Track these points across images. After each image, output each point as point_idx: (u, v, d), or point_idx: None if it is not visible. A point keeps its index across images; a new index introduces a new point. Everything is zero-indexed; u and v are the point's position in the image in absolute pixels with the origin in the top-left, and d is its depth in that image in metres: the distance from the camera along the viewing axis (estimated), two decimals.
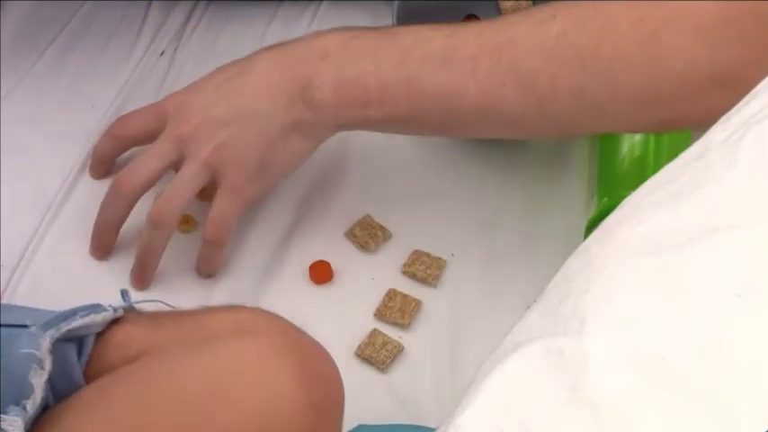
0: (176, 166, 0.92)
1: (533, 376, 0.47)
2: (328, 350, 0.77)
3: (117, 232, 0.96)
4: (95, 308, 0.76)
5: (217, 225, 0.93)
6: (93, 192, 1.02)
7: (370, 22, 1.14)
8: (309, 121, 0.87)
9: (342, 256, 0.99)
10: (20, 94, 1.08)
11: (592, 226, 0.95)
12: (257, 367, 0.70)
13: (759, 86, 0.50)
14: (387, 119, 0.85)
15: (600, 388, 0.44)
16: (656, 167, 0.93)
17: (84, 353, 0.75)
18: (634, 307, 0.46)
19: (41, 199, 1.01)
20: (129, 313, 0.79)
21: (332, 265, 0.98)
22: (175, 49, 1.13)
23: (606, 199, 0.96)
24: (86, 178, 1.03)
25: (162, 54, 1.13)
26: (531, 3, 1.11)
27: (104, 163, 1.00)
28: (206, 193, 0.95)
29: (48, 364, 0.71)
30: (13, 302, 0.94)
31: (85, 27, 1.15)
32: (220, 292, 0.96)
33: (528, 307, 0.54)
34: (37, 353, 0.71)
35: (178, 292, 0.96)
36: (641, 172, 0.96)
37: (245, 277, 0.98)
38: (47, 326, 0.73)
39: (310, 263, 0.98)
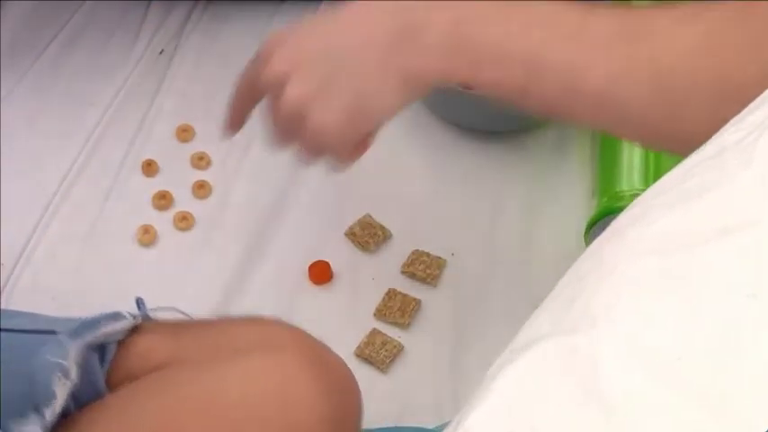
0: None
1: (544, 376, 0.47)
2: None
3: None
4: (115, 316, 0.77)
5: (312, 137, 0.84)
6: (93, 191, 1.02)
7: None
8: (406, 67, 0.78)
9: (342, 256, 0.99)
10: (20, 94, 1.09)
11: (592, 226, 0.96)
12: (286, 381, 0.71)
13: None
14: (498, 83, 0.76)
15: (611, 388, 0.44)
16: (657, 168, 0.95)
17: (106, 360, 0.75)
18: (646, 307, 0.45)
19: (41, 198, 1.01)
20: (146, 321, 0.79)
21: (332, 265, 0.98)
22: (175, 49, 1.13)
23: (606, 199, 0.96)
24: (86, 178, 1.03)
25: (161, 53, 1.13)
26: None
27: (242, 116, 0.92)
28: (203, 191, 0.95)
29: (73, 375, 0.71)
30: (12, 300, 0.94)
31: (85, 27, 1.15)
32: (221, 293, 0.96)
33: (532, 305, 0.54)
34: (65, 363, 0.71)
35: (179, 292, 0.96)
36: (642, 172, 0.96)
37: (245, 277, 0.98)
38: (74, 335, 0.73)
39: (310, 263, 0.98)
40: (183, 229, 1.00)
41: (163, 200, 1.02)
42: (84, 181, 1.03)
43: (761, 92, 0.64)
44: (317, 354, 0.75)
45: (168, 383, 0.74)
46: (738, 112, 0.63)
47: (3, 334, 0.78)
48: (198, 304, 0.95)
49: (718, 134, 0.50)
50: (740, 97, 0.64)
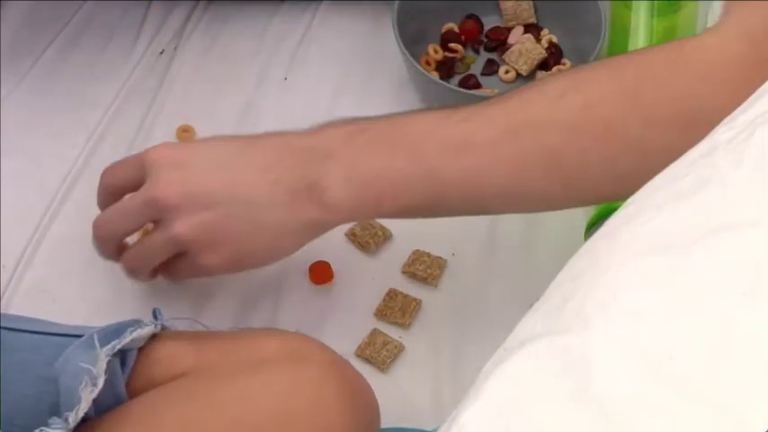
0: (152, 220, 0.85)
1: (538, 375, 0.47)
2: None
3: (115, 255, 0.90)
4: (137, 323, 0.77)
5: (170, 274, 0.89)
6: (93, 192, 1.02)
7: (370, 22, 1.14)
8: (319, 220, 0.82)
9: (342, 256, 0.99)
10: (20, 95, 1.08)
11: (592, 226, 0.95)
12: (313, 394, 0.72)
13: (765, 86, 0.50)
14: (403, 211, 0.81)
15: (605, 387, 0.44)
16: None
17: (127, 366, 0.76)
18: (639, 306, 0.45)
19: (41, 199, 1.01)
20: (164, 330, 0.80)
21: (332, 266, 0.98)
22: (175, 49, 1.13)
23: None
24: (86, 178, 1.03)
25: (162, 53, 1.13)
26: (531, 3, 1.11)
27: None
28: None
29: (101, 383, 0.72)
30: (13, 302, 0.94)
31: (85, 27, 1.15)
32: (221, 293, 0.96)
33: (531, 306, 0.54)
34: (94, 369, 0.71)
35: (180, 292, 0.96)
36: None
37: (245, 278, 0.98)
38: (103, 341, 0.74)
39: (310, 263, 0.98)
40: None
41: None
42: (84, 182, 1.03)
43: (651, 138, 0.70)
44: (343, 369, 0.77)
45: (193, 392, 0.75)
46: (634, 162, 0.69)
47: (27, 335, 0.79)
48: (198, 304, 0.95)
49: (710, 133, 0.50)
50: (631, 150, 0.75)
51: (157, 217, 0.83)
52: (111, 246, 0.88)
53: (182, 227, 0.81)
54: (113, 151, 1.05)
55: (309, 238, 0.84)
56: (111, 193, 0.89)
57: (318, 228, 0.83)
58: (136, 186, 0.85)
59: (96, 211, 1.00)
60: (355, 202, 0.80)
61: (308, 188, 0.80)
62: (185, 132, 1.06)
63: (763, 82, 0.69)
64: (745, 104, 0.50)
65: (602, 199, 0.85)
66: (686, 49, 0.76)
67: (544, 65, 1.09)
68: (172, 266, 0.86)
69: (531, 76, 1.09)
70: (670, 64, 0.75)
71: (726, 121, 0.51)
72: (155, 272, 0.89)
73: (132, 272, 0.88)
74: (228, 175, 0.82)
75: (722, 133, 0.49)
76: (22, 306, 0.94)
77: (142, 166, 0.84)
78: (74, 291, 0.96)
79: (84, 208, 1.01)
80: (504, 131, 0.76)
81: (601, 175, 0.76)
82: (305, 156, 0.81)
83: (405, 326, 0.95)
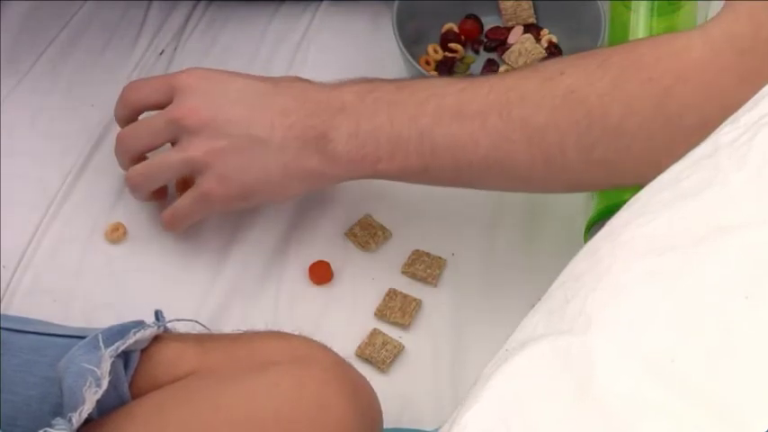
0: (171, 140, 0.91)
1: (539, 375, 0.47)
2: None
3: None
4: (140, 324, 0.77)
5: (173, 219, 0.94)
6: (94, 192, 1.02)
7: (370, 22, 1.14)
8: (319, 171, 0.86)
9: (342, 256, 0.99)
10: (20, 94, 1.08)
11: (592, 226, 0.95)
12: (317, 395, 0.73)
13: None
14: (398, 172, 0.85)
15: (606, 388, 0.44)
16: None
17: (130, 367, 0.76)
18: (641, 307, 0.46)
19: (41, 199, 1.01)
20: (166, 332, 0.81)
21: (332, 265, 0.98)
22: (175, 49, 1.13)
23: (605, 199, 0.96)
24: (86, 178, 1.03)
25: (162, 53, 1.12)
26: (531, 3, 1.12)
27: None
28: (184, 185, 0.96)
29: (105, 384, 0.72)
30: (13, 303, 0.94)
31: (85, 27, 1.15)
32: (221, 293, 0.96)
33: (531, 306, 0.54)
34: (98, 370, 0.72)
35: (180, 292, 0.96)
36: None
37: (245, 278, 0.98)
38: (106, 342, 0.74)
39: (310, 263, 0.98)
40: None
41: None
42: (85, 182, 1.03)
43: (629, 129, 0.73)
44: (346, 371, 0.77)
45: (196, 393, 0.75)
46: (610, 151, 0.73)
47: (31, 336, 0.79)
48: (198, 304, 0.95)
49: (713, 134, 0.50)
50: (608, 138, 0.78)
51: (177, 137, 0.88)
52: (129, 159, 0.94)
53: (197, 149, 0.87)
54: (113, 151, 1.05)
55: (309, 187, 0.90)
56: (133, 109, 0.94)
57: (317, 178, 0.87)
58: (159, 106, 0.90)
59: (97, 213, 1.01)
60: (354, 158, 0.85)
61: (317, 138, 0.85)
62: None
63: (744, 91, 0.70)
64: (748, 105, 0.50)
65: (585, 187, 0.88)
66: (676, 45, 0.78)
67: None
68: (175, 205, 0.92)
69: None
70: (657, 58, 0.77)
71: (729, 121, 0.51)
72: (156, 194, 0.95)
73: (135, 187, 0.93)
74: (250, 111, 0.87)
75: (725, 134, 0.49)
76: (23, 306, 0.94)
77: (170, 89, 0.89)
78: (74, 291, 0.96)
79: (84, 208, 1.01)
80: (495, 103, 0.80)
81: (578, 159, 0.79)
82: (321, 106, 0.86)
83: (405, 326, 0.95)
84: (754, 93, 0.71)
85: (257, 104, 0.87)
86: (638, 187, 0.58)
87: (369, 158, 0.84)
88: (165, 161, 0.90)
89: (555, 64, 0.81)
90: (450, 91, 0.82)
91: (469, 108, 0.81)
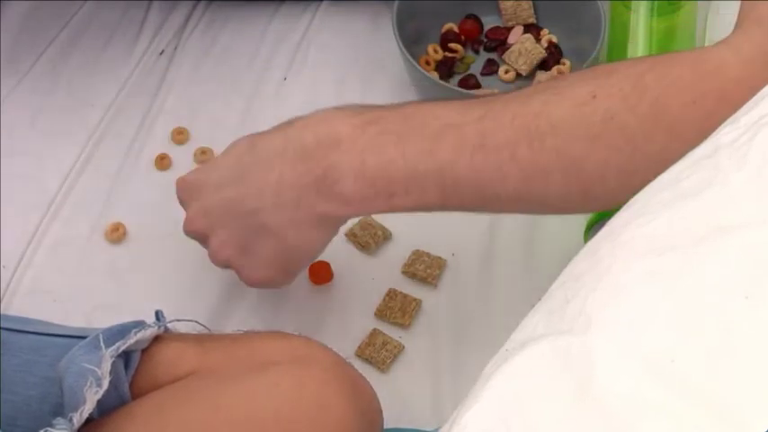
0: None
1: (539, 375, 0.47)
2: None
3: None
4: (140, 324, 0.77)
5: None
6: (94, 192, 1.02)
7: (370, 22, 1.14)
8: (330, 213, 0.80)
9: (342, 256, 0.99)
10: (20, 95, 1.08)
11: (592, 226, 0.95)
12: (317, 395, 0.73)
13: None
14: (414, 206, 0.79)
15: (606, 388, 0.44)
16: None
17: (131, 367, 0.76)
18: (641, 307, 0.45)
19: (41, 199, 1.01)
20: (166, 332, 0.80)
21: (332, 266, 0.98)
22: (175, 49, 1.13)
23: None
24: (86, 178, 1.03)
25: (162, 53, 1.13)
26: (531, 3, 1.11)
27: None
28: None
29: (105, 384, 0.72)
30: (13, 303, 0.94)
31: (85, 27, 1.15)
32: (221, 293, 0.96)
33: (531, 306, 0.54)
34: (98, 370, 0.72)
35: (180, 292, 0.96)
36: None
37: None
38: (107, 342, 0.74)
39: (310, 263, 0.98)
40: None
41: None
42: (84, 182, 1.03)
43: (672, 154, 0.68)
44: (346, 371, 0.77)
45: (196, 393, 0.75)
46: (650, 180, 0.68)
47: (31, 337, 0.79)
48: (198, 304, 0.95)
49: (713, 134, 0.50)
50: (651, 166, 0.70)
51: (203, 243, 0.87)
52: None
53: (215, 251, 0.85)
54: (113, 151, 1.05)
55: (329, 231, 0.83)
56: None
57: (332, 220, 0.82)
58: None
59: (97, 213, 1.01)
60: (366, 195, 0.78)
61: (316, 181, 0.79)
62: (180, 134, 1.06)
63: None
64: (748, 105, 0.50)
65: (620, 205, 0.83)
66: (709, 65, 0.74)
67: (544, 65, 1.09)
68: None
69: (530, 76, 1.09)
70: (697, 79, 0.73)
71: (729, 121, 0.51)
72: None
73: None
74: (234, 190, 0.82)
75: (725, 134, 0.49)
76: (23, 306, 0.94)
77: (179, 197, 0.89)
78: (74, 291, 0.96)
79: (84, 208, 1.01)
80: (524, 134, 0.74)
81: (620, 186, 0.73)
82: (309, 149, 0.79)
83: (405, 326, 0.95)
84: None
85: (241, 177, 0.82)
86: None
87: (382, 195, 0.78)
88: (211, 260, 0.88)
89: (582, 86, 0.75)
90: (468, 120, 0.76)
91: (494, 139, 0.75)
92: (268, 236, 0.82)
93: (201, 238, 0.86)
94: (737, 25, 0.74)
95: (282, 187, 0.80)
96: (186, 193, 0.87)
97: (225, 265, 0.86)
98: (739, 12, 0.74)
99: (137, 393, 0.76)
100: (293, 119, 0.82)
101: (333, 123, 0.79)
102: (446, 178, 0.76)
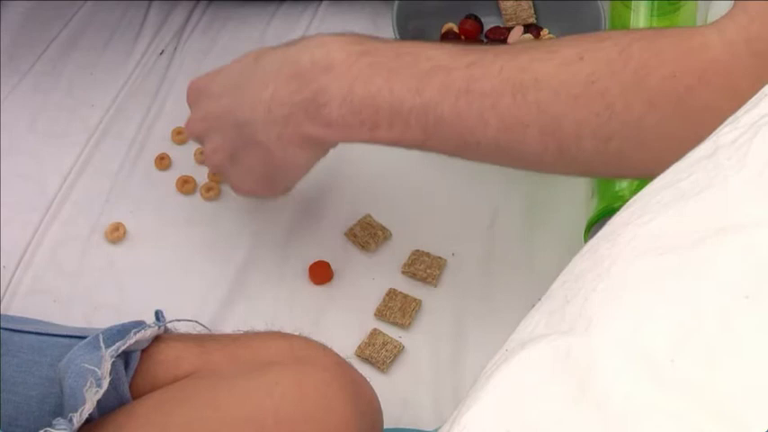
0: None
1: (540, 376, 0.47)
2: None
3: None
4: (140, 325, 0.77)
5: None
6: (93, 192, 1.02)
7: (370, 22, 1.14)
8: (315, 135, 0.83)
9: (342, 256, 0.99)
10: (20, 95, 1.09)
11: (592, 226, 0.95)
12: (318, 396, 0.73)
13: None
14: (396, 140, 0.81)
15: (606, 388, 0.44)
16: None
17: (131, 367, 0.76)
18: (642, 308, 0.45)
19: (42, 200, 1.01)
20: (166, 333, 0.81)
21: (332, 265, 0.98)
22: (175, 49, 1.13)
23: (605, 199, 0.96)
24: (86, 178, 1.03)
25: (162, 53, 1.13)
26: (531, 3, 1.11)
27: None
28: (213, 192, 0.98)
29: (105, 384, 0.72)
30: (13, 303, 0.94)
31: (85, 27, 1.15)
32: (221, 293, 0.96)
33: (532, 306, 0.54)
34: (98, 370, 0.72)
35: (180, 293, 0.96)
36: None
37: (245, 278, 0.98)
38: (107, 342, 0.74)
39: (310, 263, 0.98)
40: (186, 193, 1.01)
41: None
42: (84, 182, 1.03)
43: (648, 124, 0.69)
44: (347, 372, 0.77)
45: (197, 393, 0.75)
46: (627, 144, 0.69)
47: (32, 337, 0.79)
48: (198, 304, 0.95)
49: (713, 133, 0.50)
50: (627, 132, 0.74)
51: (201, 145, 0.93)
52: None
53: (208, 155, 0.90)
54: (113, 151, 1.05)
55: (315, 153, 0.86)
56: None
57: (317, 144, 0.85)
58: None
59: (97, 213, 1.01)
60: (350, 123, 0.81)
61: (305, 101, 0.81)
62: (180, 134, 1.06)
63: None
64: (748, 105, 0.50)
65: (594, 174, 0.86)
66: (693, 42, 0.75)
67: None
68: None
69: None
70: (680, 54, 0.75)
71: (729, 121, 0.50)
72: None
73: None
74: (231, 100, 0.86)
75: (725, 134, 0.49)
76: (23, 306, 0.94)
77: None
78: (74, 291, 0.96)
79: (84, 208, 1.01)
80: (509, 85, 0.76)
81: (594, 150, 0.76)
82: (303, 68, 0.82)
83: (405, 326, 0.95)
84: None
85: (238, 88, 0.86)
86: (639, 186, 0.58)
87: (366, 125, 0.80)
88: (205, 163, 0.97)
89: (571, 46, 0.77)
90: (458, 65, 0.78)
91: (479, 86, 0.77)
92: (257, 149, 0.85)
93: (200, 142, 0.92)
94: (728, 13, 0.75)
95: (274, 104, 0.83)
96: (193, 95, 0.91)
97: (217, 169, 0.92)
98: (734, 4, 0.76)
99: (137, 393, 0.76)
100: (299, 38, 0.86)
101: (329, 48, 0.81)
102: (429, 117, 0.78)
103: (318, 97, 0.80)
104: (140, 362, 0.77)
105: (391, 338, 0.94)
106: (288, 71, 0.82)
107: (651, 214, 0.49)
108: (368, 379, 0.79)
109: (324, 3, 1.17)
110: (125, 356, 0.76)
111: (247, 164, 0.87)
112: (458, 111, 0.78)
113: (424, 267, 0.98)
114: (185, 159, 1.04)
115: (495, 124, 0.77)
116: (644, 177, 0.93)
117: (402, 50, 0.81)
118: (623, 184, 0.96)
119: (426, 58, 0.79)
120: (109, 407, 0.74)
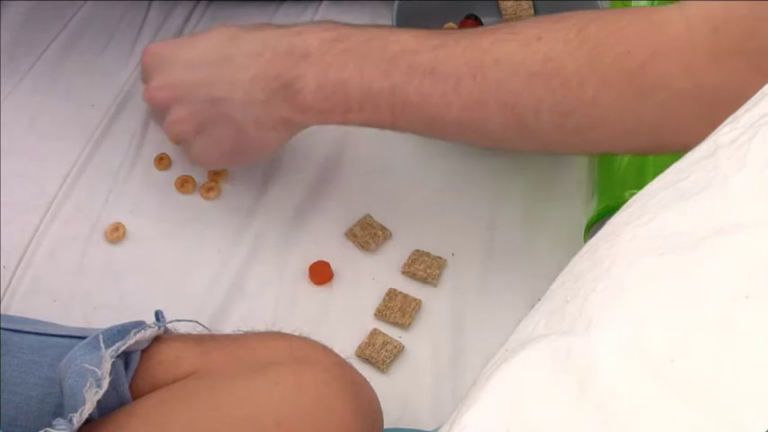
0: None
1: (540, 376, 0.46)
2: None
3: None
4: (140, 325, 0.77)
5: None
6: (94, 192, 1.02)
7: (370, 22, 1.14)
8: (290, 118, 0.87)
9: (342, 256, 0.99)
10: (20, 95, 1.09)
11: (592, 226, 0.95)
12: (318, 396, 0.73)
13: None
14: (367, 122, 0.86)
15: (606, 388, 0.44)
16: (656, 167, 0.95)
17: (131, 368, 0.76)
18: (642, 308, 0.45)
19: (42, 200, 1.01)
20: (166, 333, 0.81)
21: (332, 265, 0.98)
22: None
23: (605, 199, 0.96)
24: (86, 178, 1.03)
25: None
26: (531, 3, 1.12)
27: None
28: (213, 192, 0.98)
29: (105, 384, 0.72)
30: (13, 303, 0.94)
31: (85, 27, 1.15)
32: (221, 293, 0.96)
33: (532, 306, 0.54)
34: (98, 371, 0.72)
35: (180, 292, 0.96)
36: (641, 172, 0.96)
37: (245, 278, 0.98)
38: (107, 342, 0.74)
39: (310, 263, 0.98)
40: (184, 192, 1.01)
41: None
42: (84, 182, 1.03)
43: (604, 101, 0.71)
44: (347, 372, 0.77)
45: (197, 393, 0.75)
46: (585, 120, 0.72)
47: (32, 337, 0.79)
48: (198, 304, 0.95)
49: (713, 133, 0.50)
50: (583, 108, 0.77)
51: (160, 114, 0.93)
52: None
53: (171, 127, 0.92)
54: (113, 151, 1.05)
55: (287, 134, 0.90)
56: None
57: (291, 125, 0.89)
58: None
59: (97, 213, 1.01)
60: (324, 107, 0.85)
61: (283, 87, 0.86)
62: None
63: (716, 69, 0.71)
64: (748, 104, 0.50)
65: (555, 150, 0.89)
66: (654, 19, 0.77)
67: None
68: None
69: None
70: (635, 32, 0.77)
71: (729, 120, 0.50)
72: None
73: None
74: (209, 73, 0.89)
75: (725, 134, 0.49)
76: (23, 306, 0.94)
77: (143, 71, 0.94)
78: (74, 291, 0.96)
79: (84, 208, 1.01)
80: (469, 65, 0.80)
81: (553, 124, 0.79)
82: (282, 54, 0.86)
83: (405, 326, 0.95)
84: (726, 71, 0.72)
85: (216, 65, 0.89)
86: (639, 186, 0.58)
87: (338, 109, 0.85)
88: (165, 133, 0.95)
89: (532, 27, 0.80)
90: (424, 48, 0.82)
91: (443, 68, 0.81)
92: (230, 126, 0.89)
93: (159, 108, 0.92)
94: None
95: (254, 87, 0.87)
96: (155, 61, 0.92)
97: (177, 139, 0.94)
98: None
99: (137, 393, 0.76)
100: (272, 25, 0.90)
101: (305, 36, 0.86)
102: (396, 99, 0.83)
103: (295, 83, 0.85)
104: (140, 362, 0.77)
105: (391, 338, 0.94)
106: (269, 57, 0.86)
107: (651, 214, 0.49)
108: (368, 379, 0.79)
109: (324, 3, 1.17)
110: (125, 357, 0.75)
111: (215, 138, 0.91)
112: (422, 92, 0.82)
113: (424, 267, 0.98)
114: (185, 159, 1.04)
115: (457, 104, 0.81)
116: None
117: (373, 34, 0.85)
118: (622, 184, 0.96)
119: (395, 42, 0.83)
120: (109, 407, 0.74)
